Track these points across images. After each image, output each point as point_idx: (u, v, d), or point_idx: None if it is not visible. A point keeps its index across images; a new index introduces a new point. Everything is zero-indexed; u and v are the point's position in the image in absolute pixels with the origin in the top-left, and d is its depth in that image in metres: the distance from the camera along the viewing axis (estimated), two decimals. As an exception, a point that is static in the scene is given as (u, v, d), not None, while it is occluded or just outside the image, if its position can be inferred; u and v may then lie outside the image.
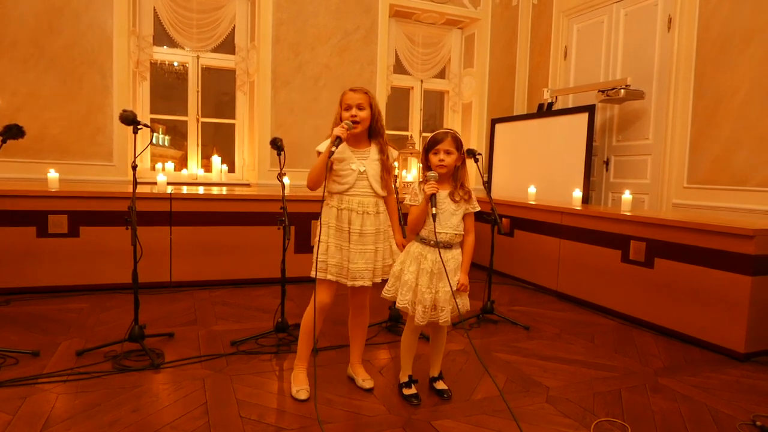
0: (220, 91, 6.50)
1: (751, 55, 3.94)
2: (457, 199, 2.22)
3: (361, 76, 5.68)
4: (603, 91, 4.85)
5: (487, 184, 3.64)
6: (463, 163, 2.27)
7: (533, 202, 4.65)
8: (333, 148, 2.11)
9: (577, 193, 4.48)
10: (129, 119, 2.54)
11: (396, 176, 3.80)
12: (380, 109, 2.32)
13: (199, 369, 2.52)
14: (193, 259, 4.06)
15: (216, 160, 5.58)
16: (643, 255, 3.48)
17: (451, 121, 6.65)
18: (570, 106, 5.59)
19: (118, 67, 4.81)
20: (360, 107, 2.21)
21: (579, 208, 4.18)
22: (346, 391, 2.34)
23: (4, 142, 2.50)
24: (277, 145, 2.85)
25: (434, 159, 2.21)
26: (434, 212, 2.11)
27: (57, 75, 4.64)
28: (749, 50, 3.95)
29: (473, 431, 2.04)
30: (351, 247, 2.20)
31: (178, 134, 7.20)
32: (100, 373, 2.40)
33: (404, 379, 2.34)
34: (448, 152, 2.19)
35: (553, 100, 5.62)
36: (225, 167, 5.62)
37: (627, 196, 4.05)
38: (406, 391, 2.30)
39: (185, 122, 5.48)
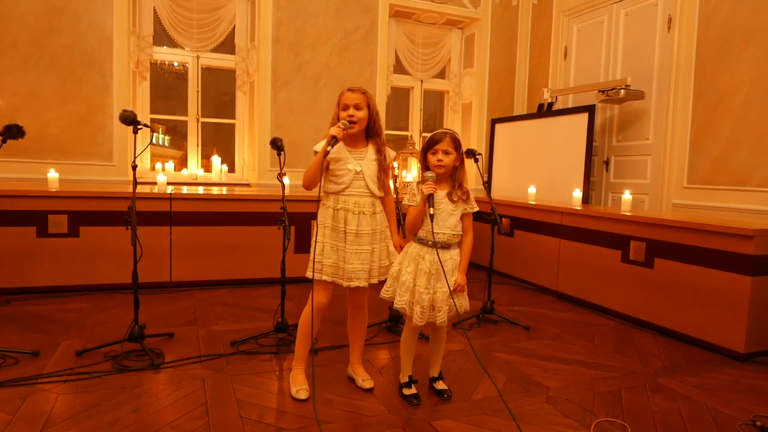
0: (220, 91, 6.50)
1: (751, 55, 3.94)
2: (455, 199, 2.22)
3: (361, 76, 5.68)
4: (603, 91, 4.85)
5: (487, 184, 3.64)
6: (462, 163, 2.27)
7: (533, 202, 4.65)
8: (328, 148, 2.10)
9: (577, 193, 4.48)
10: (129, 119, 2.54)
11: (396, 176, 3.80)
12: (378, 110, 2.31)
13: (199, 369, 2.52)
14: (193, 259, 4.06)
15: (216, 160, 5.58)
16: (643, 255, 3.48)
17: (451, 121, 6.65)
18: (570, 106, 5.59)
19: (118, 67, 4.81)
20: (357, 107, 2.21)
21: (579, 208, 4.18)
22: (346, 391, 2.34)
23: (4, 142, 2.50)
24: (277, 145, 2.85)
25: (432, 159, 2.20)
26: (432, 213, 2.11)
27: (57, 75, 4.64)
28: (749, 50, 3.95)
29: (473, 431, 2.04)
30: (347, 247, 2.19)
31: (178, 134, 7.20)
32: (100, 373, 2.40)
33: (404, 379, 2.34)
34: (446, 152, 2.19)
35: (553, 100, 5.62)
36: (225, 167, 5.62)
37: (627, 196, 4.05)
38: (406, 391, 2.30)
39: (185, 122, 5.48)
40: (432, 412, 2.19)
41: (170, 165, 5.43)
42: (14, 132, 2.52)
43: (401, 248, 2.33)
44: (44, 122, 4.62)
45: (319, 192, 2.23)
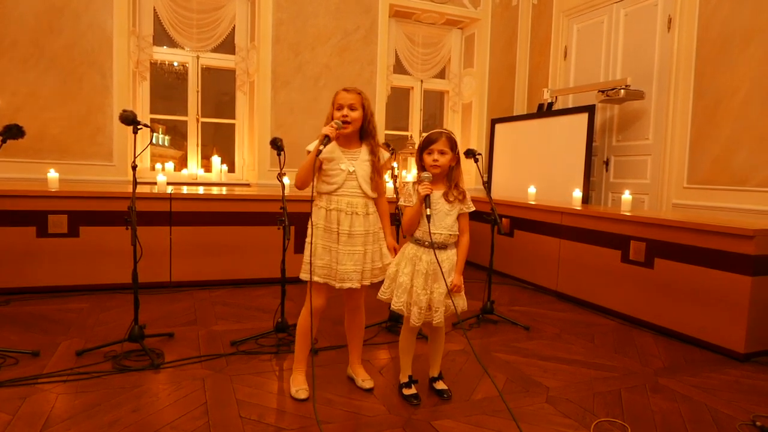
0: (220, 91, 6.50)
1: (751, 55, 3.94)
2: (451, 199, 2.22)
3: (361, 76, 5.68)
4: (603, 91, 4.85)
5: (487, 184, 3.64)
6: (458, 163, 2.26)
7: (533, 202, 4.65)
8: (321, 147, 2.09)
9: (577, 193, 4.48)
10: (129, 119, 2.54)
11: (396, 176, 3.79)
12: (373, 111, 2.29)
13: (199, 369, 2.52)
14: (193, 259, 4.06)
15: (216, 160, 5.58)
16: (643, 255, 3.48)
17: (451, 121, 6.65)
18: (570, 106, 5.59)
19: (118, 67, 4.81)
20: (352, 108, 2.19)
21: (579, 208, 4.18)
22: (345, 391, 2.34)
23: (4, 142, 2.50)
24: (277, 145, 2.85)
25: (428, 159, 2.20)
26: (428, 213, 2.11)
27: (57, 75, 4.64)
28: (749, 50, 3.95)
29: (473, 431, 2.04)
30: (339, 248, 2.18)
31: (178, 134, 7.20)
32: (100, 373, 2.40)
33: (404, 379, 2.34)
34: (442, 152, 2.19)
35: (553, 100, 5.62)
36: (225, 167, 5.62)
37: (627, 196, 4.05)
38: (406, 392, 2.30)
39: (185, 122, 5.48)
40: (432, 412, 2.19)
41: (170, 165, 5.43)
42: (14, 132, 2.52)
43: (395, 250, 2.32)
44: (44, 122, 4.62)
45: (312, 192, 2.21)
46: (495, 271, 4.47)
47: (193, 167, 5.50)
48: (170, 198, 3.97)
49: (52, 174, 3.87)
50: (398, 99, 6.45)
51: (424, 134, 6.39)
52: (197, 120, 5.45)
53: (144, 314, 3.03)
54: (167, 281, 4.01)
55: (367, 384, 2.37)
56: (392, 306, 2.22)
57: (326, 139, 2.10)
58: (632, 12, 5.00)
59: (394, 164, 4.17)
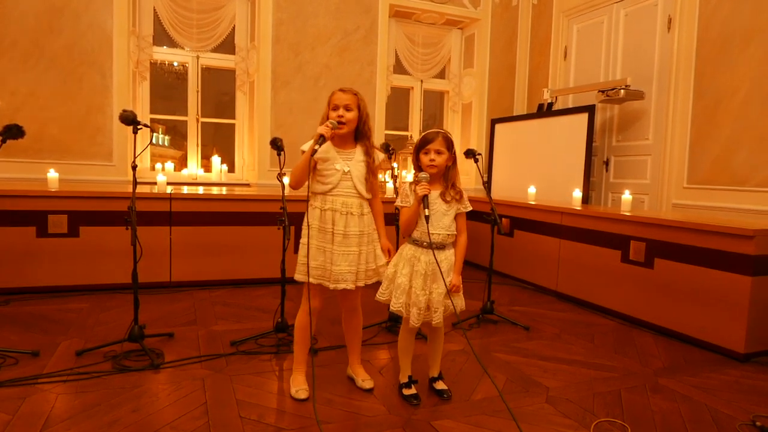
0: (220, 91, 6.51)
1: (751, 55, 3.94)
2: (448, 199, 2.22)
3: (361, 76, 5.68)
4: (603, 92, 4.85)
5: (487, 185, 3.64)
6: (454, 163, 2.26)
7: (533, 202, 4.65)
8: (316, 147, 2.08)
9: (577, 194, 4.48)
10: (129, 119, 2.54)
11: (396, 176, 3.79)
12: (369, 112, 2.28)
13: (199, 369, 2.52)
14: (193, 259, 4.06)
15: (216, 160, 5.58)
16: (643, 255, 3.48)
17: (451, 121, 6.65)
18: (570, 106, 5.59)
19: (118, 67, 4.81)
20: (348, 108, 2.19)
21: (579, 208, 4.18)
22: (345, 392, 2.34)
23: (3, 142, 2.50)
24: (277, 145, 2.85)
25: (425, 159, 2.20)
26: (427, 214, 2.11)
27: (57, 75, 4.64)
28: (749, 50, 3.95)
29: (473, 431, 2.04)
30: (334, 248, 2.17)
31: (177, 134, 7.20)
32: (100, 373, 2.40)
33: (404, 379, 2.34)
34: (438, 152, 2.19)
35: (553, 100, 5.62)
36: (225, 167, 5.62)
37: (627, 196, 4.05)
38: (406, 392, 2.30)
39: (185, 122, 5.48)
40: (432, 412, 2.19)
41: (170, 165, 5.43)
42: (14, 132, 2.52)
43: (389, 252, 2.32)
44: (44, 122, 4.62)
45: (308, 192, 2.20)
46: (495, 271, 4.47)
47: (193, 167, 5.50)
48: (170, 198, 3.97)
49: (52, 174, 3.87)
50: (398, 99, 6.45)
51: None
52: (197, 120, 5.45)
53: (144, 314, 3.03)
54: (167, 281, 4.01)
55: (367, 384, 2.37)
56: (391, 307, 2.22)
57: (321, 139, 2.09)
58: (632, 12, 5.00)
59: (395, 164, 4.17)
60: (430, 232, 2.14)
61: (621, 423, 2.14)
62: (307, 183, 2.18)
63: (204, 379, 2.39)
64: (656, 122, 4.72)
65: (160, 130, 7.36)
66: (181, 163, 5.90)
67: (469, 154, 3.36)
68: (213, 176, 5.55)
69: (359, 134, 2.27)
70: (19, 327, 3.00)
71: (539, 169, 5.49)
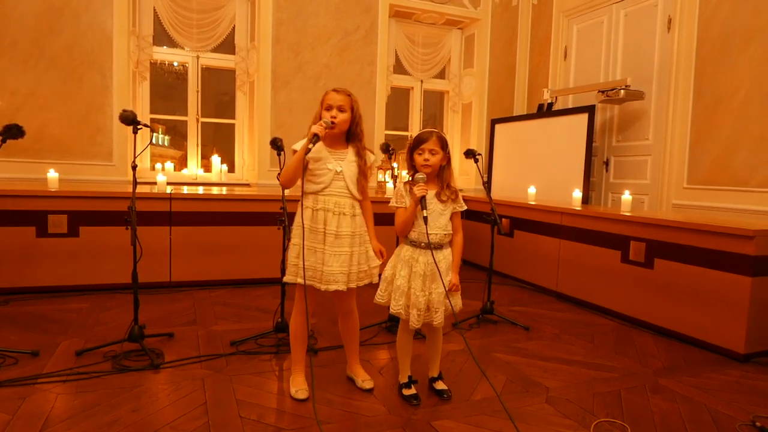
0: (220, 91, 6.51)
1: (750, 55, 3.94)
2: (444, 199, 2.22)
3: (361, 76, 5.68)
4: (603, 92, 4.85)
5: (487, 185, 3.64)
6: (449, 162, 2.26)
7: (533, 203, 4.65)
8: (310, 146, 2.07)
9: (577, 194, 4.48)
10: (129, 119, 2.54)
11: (396, 176, 3.79)
12: (361, 113, 2.27)
13: (199, 369, 2.52)
14: (193, 259, 4.05)
15: (216, 160, 5.58)
16: (643, 255, 3.48)
17: (451, 122, 6.65)
18: (570, 106, 5.59)
19: (118, 67, 4.81)
20: (341, 109, 2.18)
21: (579, 208, 4.18)
22: (345, 392, 2.34)
23: (3, 141, 2.50)
24: (276, 145, 2.85)
25: (419, 159, 2.20)
26: (425, 215, 2.10)
27: (57, 75, 4.64)
28: (749, 50, 3.95)
29: (473, 431, 2.04)
30: (326, 249, 2.16)
31: (177, 134, 7.21)
32: (100, 373, 2.40)
33: (403, 379, 2.34)
34: (432, 152, 2.19)
35: (553, 101, 5.62)
36: (225, 167, 5.62)
37: (627, 196, 4.04)
38: (406, 392, 2.30)
39: (185, 122, 5.48)
40: (432, 412, 2.19)
41: (170, 165, 5.43)
42: (14, 132, 2.52)
43: (381, 253, 2.32)
44: (44, 122, 4.62)
45: (302, 190, 2.19)
46: (495, 272, 4.47)
47: (193, 167, 5.50)
48: (170, 198, 3.97)
49: (52, 174, 3.87)
50: (398, 99, 6.45)
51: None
52: (197, 120, 5.45)
53: (144, 314, 3.03)
54: (167, 281, 4.01)
55: (367, 384, 2.37)
56: (391, 310, 2.22)
57: (315, 138, 2.07)
58: (632, 12, 5.00)
59: (395, 164, 4.17)
60: (428, 232, 2.14)
61: (621, 423, 2.14)
62: (298, 182, 2.17)
63: (204, 379, 2.39)
64: (656, 122, 4.72)
65: (160, 130, 7.37)
66: (181, 163, 5.90)
67: (469, 154, 3.36)
68: (213, 176, 5.55)
69: (351, 135, 2.26)
70: (19, 327, 3.00)
71: (539, 169, 5.49)
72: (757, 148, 3.89)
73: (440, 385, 2.36)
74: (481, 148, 6.19)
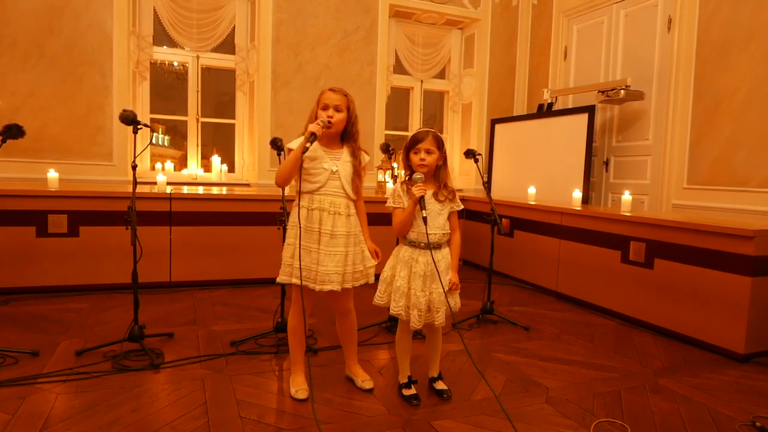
0: (220, 91, 6.51)
1: (750, 55, 3.94)
2: (441, 199, 2.22)
3: (361, 76, 5.68)
4: (603, 92, 4.85)
5: (487, 185, 3.64)
6: (445, 162, 2.26)
7: (533, 203, 4.65)
8: (308, 144, 2.06)
9: (577, 194, 4.48)
10: (129, 119, 2.54)
11: (396, 176, 3.79)
12: (357, 114, 2.26)
13: (199, 369, 2.52)
14: (193, 259, 4.05)
15: (216, 160, 5.58)
16: (643, 255, 3.48)
17: (451, 122, 6.65)
18: (570, 106, 5.59)
19: (118, 66, 4.81)
20: (338, 109, 2.18)
21: (579, 208, 4.18)
22: (345, 392, 2.34)
23: (4, 141, 2.50)
24: (276, 145, 2.85)
25: (415, 158, 2.20)
26: (425, 215, 2.10)
27: (57, 75, 4.64)
28: (749, 51, 3.95)
29: (473, 431, 2.04)
30: (320, 248, 2.15)
31: (177, 134, 7.21)
32: (100, 373, 2.40)
33: (403, 379, 2.34)
34: (428, 151, 2.18)
35: (553, 101, 5.63)
36: (225, 167, 5.62)
37: (627, 196, 4.04)
38: (406, 392, 2.30)
39: (185, 122, 5.48)
40: (432, 412, 2.19)
41: (170, 165, 5.43)
42: (14, 132, 2.52)
43: (376, 253, 2.32)
44: (44, 122, 4.62)
45: (299, 190, 2.17)
46: (495, 272, 4.47)
47: (193, 167, 5.50)
48: (170, 198, 3.97)
49: (52, 174, 3.87)
50: (398, 99, 6.45)
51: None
52: (197, 120, 5.45)
53: (144, 314, 3.03)
54: (167, 281, 4.01)
55: (367, 384, 2.37)
56: (391, 311, 2.21)
57: (313, 137, 2.07)
58: (632, 12, 5.00)
59: (394, 164, 4.17)
60: (428, 232, 2.14)
61: (621, 423, 2.14)
62: (293, 182, 2.17)
63: (204, 379, 2.39)
64: (656, 123, 4.72)
65: (160, 130, 7.37)
66: (181, 163, 5.90)
67: (469, 154, 3.36)
68: (213, 176, 5.55)
69: (346, 135, 2.26)
70: (19, 327, 3.00)
71: (539, 170, 5.49)
72: (757, 148, 3.89)
73: (440, 385, 2.36)
74: (481, 148, 6.19)
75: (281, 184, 2.19)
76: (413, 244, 2.21)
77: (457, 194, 2.30)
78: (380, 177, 5.07)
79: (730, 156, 4.07)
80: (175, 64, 5.72)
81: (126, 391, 2.24)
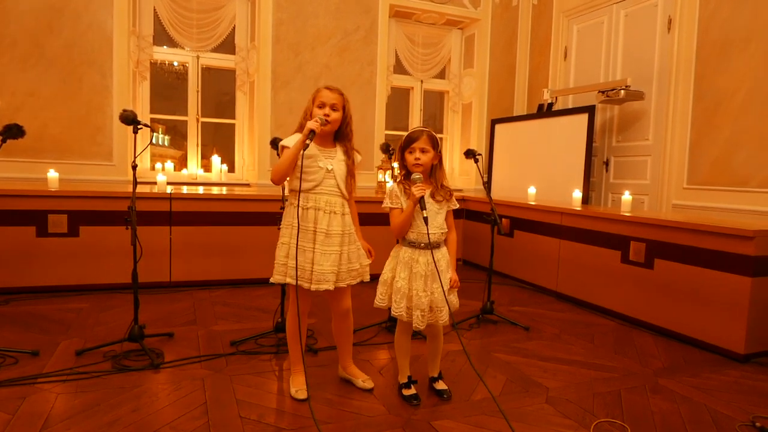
0: (220, 91, 6.51)
1: (750, 56, 3.94)
2: (439, 199, 2.22)
3: (361, 76, 5.68)
4: (603, 92, 4.85)
5: (487, 185, 3.64)
6: (440, 162, 2.27)
7: (533, 203, 4.65)
8: (307, 141, 2.05)
9: (577, 194, 4.48)
10: (129, 119, 2.54)
11: (396, 176, 3.80)
12: (352, 114, 2.27)
13: (199, 369, 2.52)
14: (193, 259, 4.05)
15: (216, 160, 5.58)
16: (643, 256, 3.48)
17: (451, 122, 6.65)
18: (570, 106, 5.59)
19: (118, 66, 4.81)
20: (334, 108, 2.19)
21: (579, 208, 4.18)
22: (345, 392, 2.34)
23: (4, 141, 2.50)
24: (277, 145, 2.84)
25: (410, 158, 2.20)
26: (425, 215, 2.11)
27: (57, 75, 4.64)
28: (749, 51, 3.95)
29: (473, 431, 2.04)
30: (316, 248, 2.14)
31: (178, 134, 7.21)
32: (100, 372, 2.40)
33: (403, 379, 2.34)
34: (423, 150, 2.19)
35: (553, 101, 5.63)
36: (225, 167, 5.62)
37: (627, 196, 4.04)
38: (406, 392, 2.30)
39: (185, 122, 5.48)
40: (432, 412, 2.19)
41: (170, 165, 5.43)
42: (14, 132, 2.52)
43: (370, 252, 2.32)
44: (44, 122, 4.62)
45: (299, 189, 2.15)
46: (495, 272, 4.47)
47: (193, 167, 5.49)
48: (170, 198, 3.97)
49: (52, 174, 3.87)
50: (398, 99, 6.45)
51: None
52: (197, 120, 5.45)
53: (144, 314, 3.03)
54: (167, 281, 4.01)
55: (368, 384, 2.36)
56: (393, 312, 2.21)
57: (312, 134, 2.06)
58: (632, 13, 5.00)
59: (394, 164, 4.17)
60: (426, 232, 2.14)
61: (621, 423, 2.14)
62: (294, 180, 2.16)
63: (204, 379, 2.39)
64: (656, 123, 4.72)
65: (160, 130, 7.37)
66: (181, 163, 5.90)
67: (469, 154, 3.36)
68: (213, 176, 5.55)
69: (340, 135, 2.27)
70: (19, 327, 3.00)
71: (539, 170, 5.49)
72: (756, 148, 3.89)
73: (440, 385, 2.36)
74: (481, 148, 6.19)
75: (278, 181, 2.18)
76: (413, 245, 2.20)
77: (454, 193, 2.31)
78: (380, 177, 5.07)
79: (730, 156, 4.07)
80: (175, 64, 5.72)
81: (126, 391, 2.24)
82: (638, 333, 3.39)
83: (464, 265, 5.33)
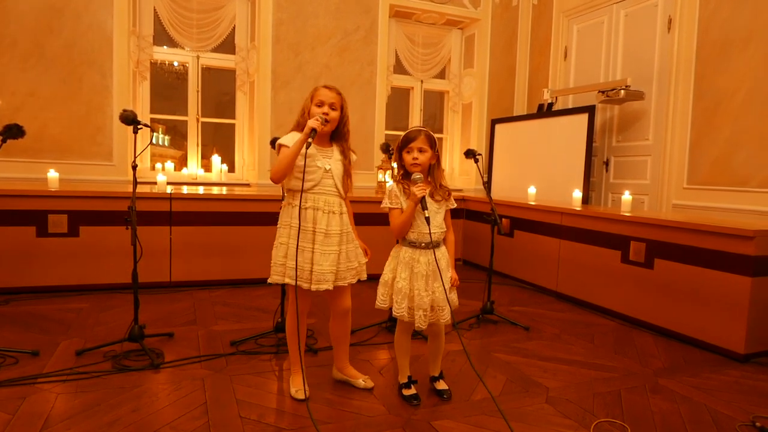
0: (220, 91, 6.51)
1: (750, 56, 3.94)
2: (438, 198, 2.22)
3: (361, 76, 5.68)
4: (603, 92, 4.85)
5: (487, 185, 3.64)
6: (438, 161, 2.26)
7: (533, 203, 4.65)
8: (309, 140, 2.05)
9: (577, 194, 4.48)
10: (129, 119, 2.54)
11: (395, 176, 3.79)
12: (349, 114, 2.27)
13: (199, 369, 2.52)
14: (193, 259, 4.05)
15: (216, 160, 5.58)
16: (643, 256, 3.48)
17: (451, 122, 6.65)
18: (570, 106, 5.59)
19: (118, 66, 4.81)
20: (333, 107, 2.19)
21: (579, 208, 4.18)
22: (345, 392, 2.34)
23: (4, 141, 2.50)
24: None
25: (408, 158, 2.20)
26: (427, 215, 2.11)
27: (57, 75, 4.64)
28: (749, 51, 3.95)
29: (473, 431, 2.04)
30: (315, 248, 2.14)
31: (178, 134, 7.21)
32: (100, 372, 2.40)
33: (403, 379, 2.33)
34: (421, 150, 2.19)
35: (553, 101, 5.63)
36: (225, 167, 5.62)
37: (627, 196, 4.04)
38: (406, 392, 2.30)
39: (185, 122, 5.48)
40: (432, 412, 2.19)
41: (170, 165, 5.43)
42: (14, 132, 2.52)
43: (366, 252, 2.32)
44: (44, 122, 4.62)
45: (301, 189, 2.15)
46: (495, 272, 4.47)
47: (193, 167, 5.49)
48: (170, 198, 3.97)
49: (52, 174, 3.87)
50: (398, 99, 6.45)
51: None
52: (197, 120, 5.45)
53: (144, 314, 3.03)
54: (167, 281, 4.01)
55: (368, 384, 2.36)
56: (394, 313, 2.20)
57: (313, 132, 2.06)
58: (632, 13, 5.00)
59: (394, 164, 4.17)
60: (427, 232, 2.14)
61: (621, 423, 2.14)
62: (294, 180, 2.17)
63: (204, 379, 2.39)
64: (656, 123, 4.72)
65: (160, 130, 7.37)
66: (181, 163, 5.90)
67: (469, 154, 3.36)
68: (213, 176, 5.55)
69: (337, 135, 2.27)
70: (19, 327, 3.00)
71: (539, 170, 5.49)
72: (756, 148, 3.89)
73: (441, 385, 2.36)
74: (481, 148, 6.19)
75: (278, 179, 2.19)
76: (413, 245, 2.20)
77: (453, 193, 2.32)
78: (380, 177, 5.07)
79: (730, 156, 4.07)
80: (175, 64, 5.72)
81: (126, 391, 2.24)
82: (638, 333, 3.39)
83: (464, 265, 5.33)
